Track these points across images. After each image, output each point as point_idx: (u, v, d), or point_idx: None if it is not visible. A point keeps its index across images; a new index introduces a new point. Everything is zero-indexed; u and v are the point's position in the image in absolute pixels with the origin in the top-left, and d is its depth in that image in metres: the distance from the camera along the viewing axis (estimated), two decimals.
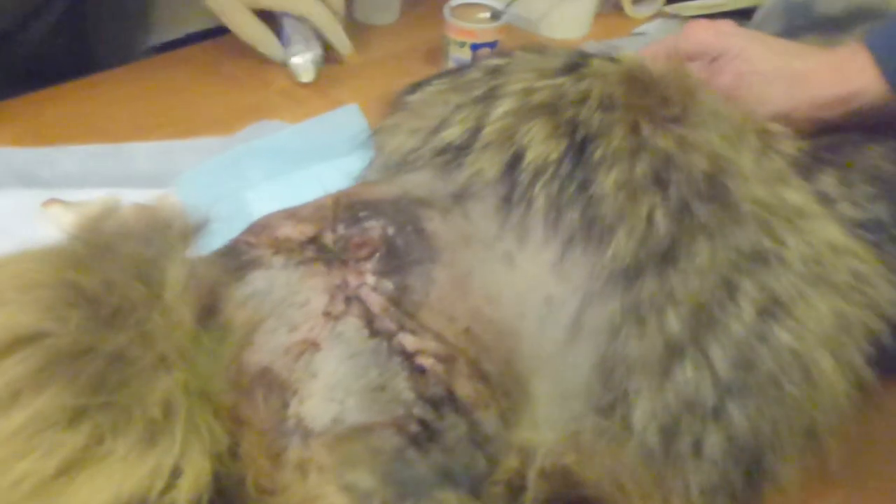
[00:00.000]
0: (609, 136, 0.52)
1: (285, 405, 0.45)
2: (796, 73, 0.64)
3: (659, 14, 1.10)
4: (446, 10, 0.94)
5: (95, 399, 0.39)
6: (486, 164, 0.52)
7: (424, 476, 0.44)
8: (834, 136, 0.64)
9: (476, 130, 0.54)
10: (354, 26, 1.02)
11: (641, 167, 0.51)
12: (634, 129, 0.52)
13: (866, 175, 0.62)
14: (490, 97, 0.55)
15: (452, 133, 0.55)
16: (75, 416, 0.39)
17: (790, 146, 0.59)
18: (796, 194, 0.55)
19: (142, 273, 0.44)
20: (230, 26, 0.91)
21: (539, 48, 0.61)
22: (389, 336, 0.47)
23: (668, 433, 0.48)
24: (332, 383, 0.45)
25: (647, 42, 0.98)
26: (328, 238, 0.51)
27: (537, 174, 0.51)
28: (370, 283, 0.49)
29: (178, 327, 0.43)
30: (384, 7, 1.07)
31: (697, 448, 0.48)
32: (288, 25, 0.94)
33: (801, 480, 0.51)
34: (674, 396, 0.48)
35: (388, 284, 0.48)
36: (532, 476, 0.46)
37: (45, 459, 0.38)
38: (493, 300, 0.50)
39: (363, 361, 0.46)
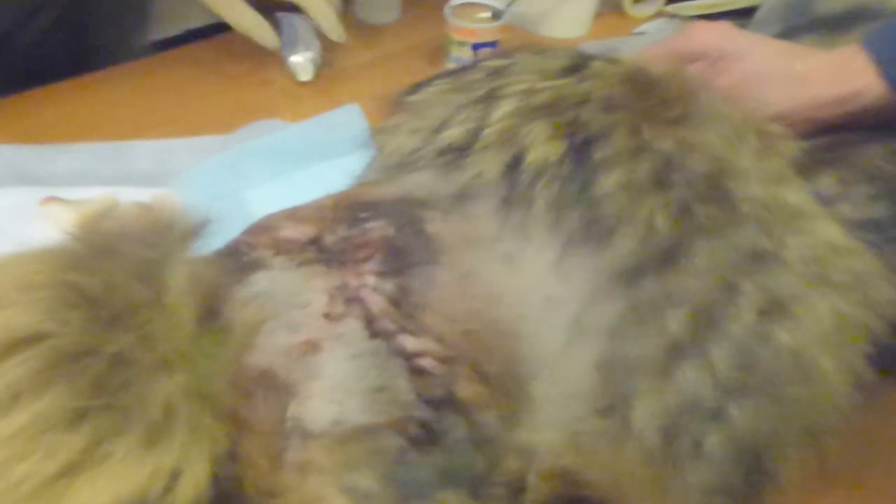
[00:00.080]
0: (610, 138, 0.52)
1: (285, 407, 0.45)
2: (796, 74, 0.64)
3: (659, 13, 1.10)
4: (447, 10, 0.94)
5: (96, 401, 0.39)
6: (487, 165, 0.52)
7: (425, 477, 0.44)
8: (834, 137, 0.64)
9: (477, 131, 0.54)
10: (355, 25, 1.02)
11: (642, 168, 0.51)
12: (635, 130, 0.52)
13: (866, 175, 0.62)
14: (491, 98, 0.55)
15: (453, 134, 0.55)
16: (75, 418, 0.39)
17: (790, 147, 0.59)
18: (796, 195, 0.55)
19: (143, 274, 0.44)
20: (223, 16, 0.89)
21: (540, 49, 0.61)
22: (390, 337, 0.47)
23: (669, 434, 0.48)
24: (333, 385, 0.45)
25: (648, 42, 0.98)
26: (328, 239, 0.51)
27: (538, 175, 0.51)
28: (370, 285, 0.49)
29: (178, 329, 0.43)
30: (385, 6, 1.06)
31: (697, 448, 0.48)
32: (287, 25, 0.94)
33: (801, 480, 0.51)
34: (674, 397, 0.48)
35: (389, 286, 0.48)
36: (532, 477, 0.46)
37: (44, 461, 0.38)
38: (494, 301, 0.50)
39: (363, 363, 0.46)
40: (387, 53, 1.00)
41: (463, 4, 0.95)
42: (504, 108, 0.54)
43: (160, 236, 0.48)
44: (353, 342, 0.47)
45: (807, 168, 0.60)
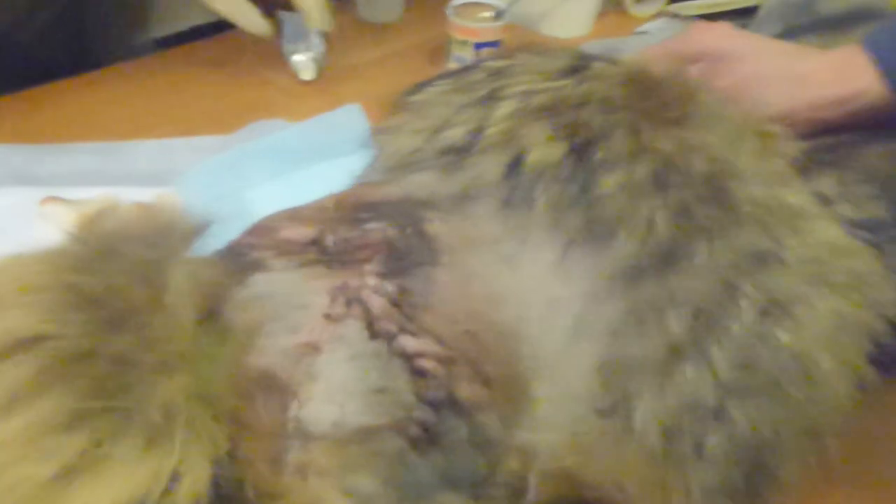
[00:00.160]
0: (610, 139, 0.52)
1: (286, 408, 0.45)
2: (797, 75, 0.64)
3: (661, 13, 1.09)
4: (449, 9, 0.93)
5: (96, 403, 0.39)
6: (488, 166, 0.53)
7: (425, 479, 0.44)
8: (834, 137, 0.64)
9: (478, 132, 0.54)
10: (357, 24, 1.02)
11: (642, 169, 0.51)
12: (635, 131, 0.52)
13: (866, 175, 0.62)
14: (492, 99, 0.55)
15: (454, 134, 0.55)
16: (75, 420, 0.39)
17: (790, 147, 0.59)
18: (796, 195, 0.55)
19: (143, 276, 0.44)
20: (212, 6, 0.84)
21: (541, 49, 0.61)
22: (390, 338, 0.47)
23: (670, 434, 0.48)
24: (333, 386, 0.45)
25: (650, 41, 0.98)
26: (329, 240, 0.51)
27: (538, 176, 0.51)
28: (371, 285, 0.49)
29: (179, 331, 0.43)
30: (387, 5, 1.06)
31: (699, 449, 0.48)
32: (288, 23, 0.93)
33: (801, 480, 0.51)
34: (675, 397, 0.48)
35: (389, 286, 0.48)
36: (533, 478, 0.46)
37: (44, 464, 0.38)
38: (494, 302, 0.50)
39: (364, 364, 0.46)
40: (389, 52, 1.00)
41: (465, 4, 0.95)
42: (505, 109, 0.54)
43: (161, 237, 0.48)
44: (354, 343, 0.47)
45: (807, 168, 0.60)
